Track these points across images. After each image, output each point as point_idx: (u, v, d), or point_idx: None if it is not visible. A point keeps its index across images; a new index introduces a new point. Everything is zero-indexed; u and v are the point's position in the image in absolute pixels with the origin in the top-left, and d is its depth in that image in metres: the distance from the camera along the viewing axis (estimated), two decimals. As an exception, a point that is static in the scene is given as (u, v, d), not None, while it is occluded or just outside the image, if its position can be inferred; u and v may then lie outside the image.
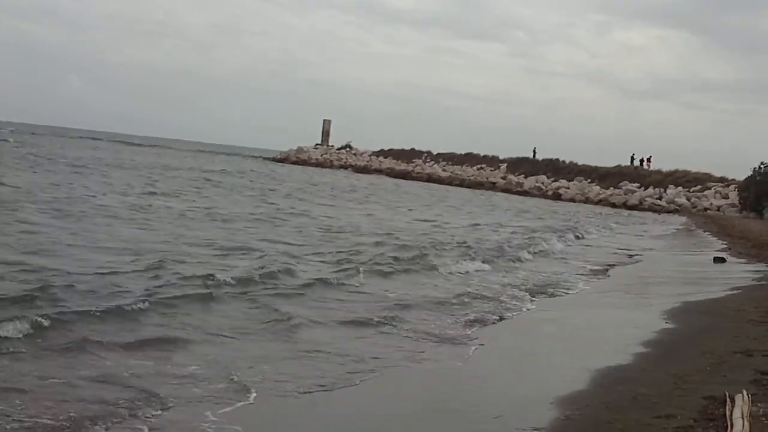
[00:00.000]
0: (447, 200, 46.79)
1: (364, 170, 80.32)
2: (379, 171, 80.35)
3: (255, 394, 6.81)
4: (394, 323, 10.06)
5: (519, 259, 18.41)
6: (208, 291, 10.53)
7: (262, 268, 12.97)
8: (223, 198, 30.69)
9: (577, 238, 27.23)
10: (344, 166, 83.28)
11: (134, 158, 60.47)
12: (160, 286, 10.62)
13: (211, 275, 11.58)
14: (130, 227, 17.74)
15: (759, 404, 6.37)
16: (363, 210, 31.84)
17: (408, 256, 16.44)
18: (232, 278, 11.59)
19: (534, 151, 76.46)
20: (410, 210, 34.67)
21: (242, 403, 6.59)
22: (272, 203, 30.31)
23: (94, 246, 14.13)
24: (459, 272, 15.35)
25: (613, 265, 19.76)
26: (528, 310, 12.23)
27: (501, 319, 11.22)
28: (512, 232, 26.11)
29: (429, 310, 11.25)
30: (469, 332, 10.12)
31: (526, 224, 31.37)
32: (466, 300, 12.29)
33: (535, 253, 20.14)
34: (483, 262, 16.89)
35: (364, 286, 12.70)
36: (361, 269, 13.74)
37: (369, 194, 45.28)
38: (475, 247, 19.53)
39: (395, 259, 15.92)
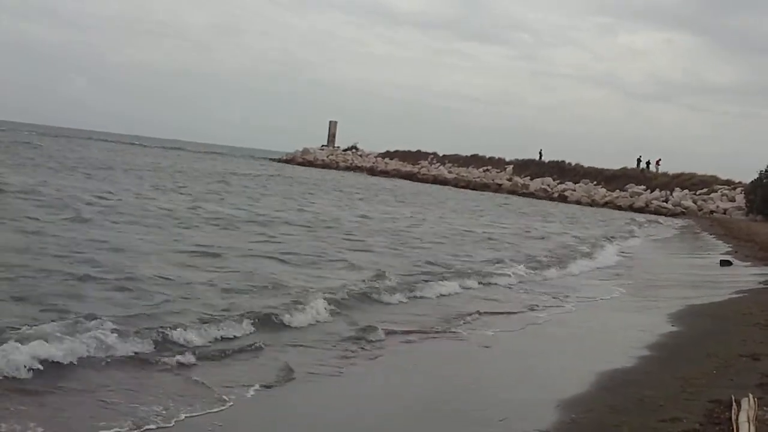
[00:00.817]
0: (481, 204, 46.27)
1: (373, 172, 79.92)
2: (385, 173, 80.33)
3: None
4: (456, 330, 10.32)
5: (569, 270, 18.45)
6: (309, 306, 10.35)
7: (362, 281, 13.03)
8: (280, 203, 30.65)
9: (616, 244, 26.70)
10: (350, 168, 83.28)
11: (160, 161, 60.00)
12: (258, 302, 10.54)
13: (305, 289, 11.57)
14: (212, 236, 17.70)
15: (765, 408, 6.35)
16: (420, 215, 31.46)
17: (487, 269, 16.53)
18: (330, 292, 11.48)
19: (540, 153, 76.44)
20: (457, 214, 34.55)
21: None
22: (325, 208, 30.13)
23: (196, 259, 14.02)
24: (529, 280, 15.87)
25: (625, 268, 19.76)
26: (550, 315, 12.24)
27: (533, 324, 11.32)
28: (563, 243, 25.46)
29: (485, 317, 11.46)
30: (490, 333, 10.27)
31: (567, 231, 31.09)
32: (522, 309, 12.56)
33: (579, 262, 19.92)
34: (552, 270, 17.51)
35: (444, 298, 12.89)
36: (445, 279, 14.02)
37: (403, 198, 44.92)
38: (538, 257, 19.74)
39: (472, 269, 16.09)
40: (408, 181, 71.20)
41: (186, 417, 6.21)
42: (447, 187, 68.60)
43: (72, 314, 8.55)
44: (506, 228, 29.56)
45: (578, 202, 61.12)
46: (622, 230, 34.85)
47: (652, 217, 51.59)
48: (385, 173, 79.99)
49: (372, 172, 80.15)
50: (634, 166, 68.98)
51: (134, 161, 55.39)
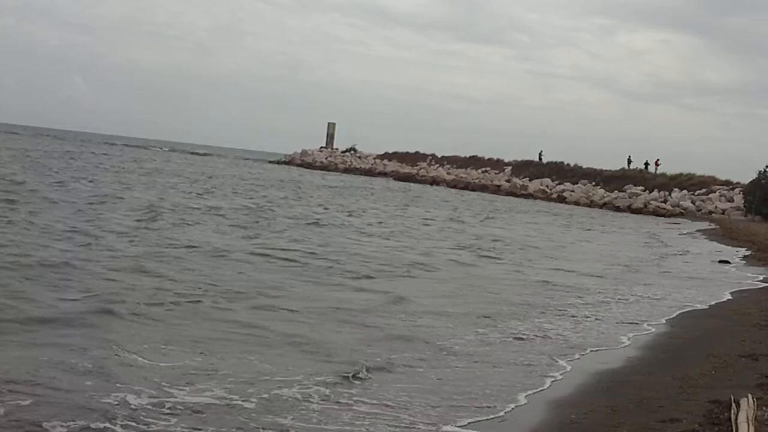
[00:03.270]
0: (517, 211, 44.50)
1: (410, 178, 77.28)
2: (384, 174, 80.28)
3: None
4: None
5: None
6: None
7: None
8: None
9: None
10: (348, 170, 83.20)
11: (219, 167, 60.47)
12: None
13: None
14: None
15: (764, 408, 6.35)
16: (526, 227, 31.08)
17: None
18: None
19: (540, 155, 76.17)
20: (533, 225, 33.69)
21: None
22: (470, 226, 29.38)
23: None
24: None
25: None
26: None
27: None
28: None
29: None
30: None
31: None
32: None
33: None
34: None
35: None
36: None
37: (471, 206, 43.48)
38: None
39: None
40: (489, 193, 66.74)
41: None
42: (468, 190, 67.25)
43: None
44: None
45: (577, 203, 61.12)
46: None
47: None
48: (384, 174, 79.88)
49: (407, 177, 77.62)
50: (626, 166, 68.92)
51: (222, 172, 55.44)
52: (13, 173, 29.85)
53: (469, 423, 6.50)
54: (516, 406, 7.00)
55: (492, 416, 6.71)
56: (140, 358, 7.48)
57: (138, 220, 19.15)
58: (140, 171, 45.10)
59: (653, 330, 10.95)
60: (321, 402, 6.70)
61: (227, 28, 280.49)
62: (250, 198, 32.49)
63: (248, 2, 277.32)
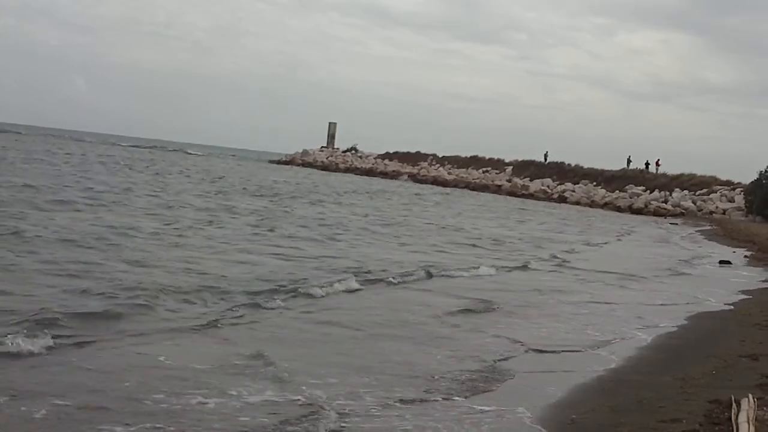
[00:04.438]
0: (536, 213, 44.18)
1: (416, 179, 76.08)
2: (385, 173, 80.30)
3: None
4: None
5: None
6: None
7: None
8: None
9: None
10: (350, 169, 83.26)
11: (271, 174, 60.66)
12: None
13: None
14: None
15: (765, 408, 6.35)
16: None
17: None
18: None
19: (545, 156, 75.92)
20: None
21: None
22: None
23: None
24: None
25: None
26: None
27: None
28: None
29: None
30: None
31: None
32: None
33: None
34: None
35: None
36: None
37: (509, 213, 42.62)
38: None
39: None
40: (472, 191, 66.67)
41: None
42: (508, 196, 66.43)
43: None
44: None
45: (578, 203, 61.19)
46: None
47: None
48: (385, 174, 79.92)
49: (415, 178, 77.33)
50: (625, 166, 69.00)
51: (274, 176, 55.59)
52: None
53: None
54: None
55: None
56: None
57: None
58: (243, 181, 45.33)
59: (662, 331, 10.96)
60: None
61: (227, 28, 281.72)
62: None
63: (248, 2, 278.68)
